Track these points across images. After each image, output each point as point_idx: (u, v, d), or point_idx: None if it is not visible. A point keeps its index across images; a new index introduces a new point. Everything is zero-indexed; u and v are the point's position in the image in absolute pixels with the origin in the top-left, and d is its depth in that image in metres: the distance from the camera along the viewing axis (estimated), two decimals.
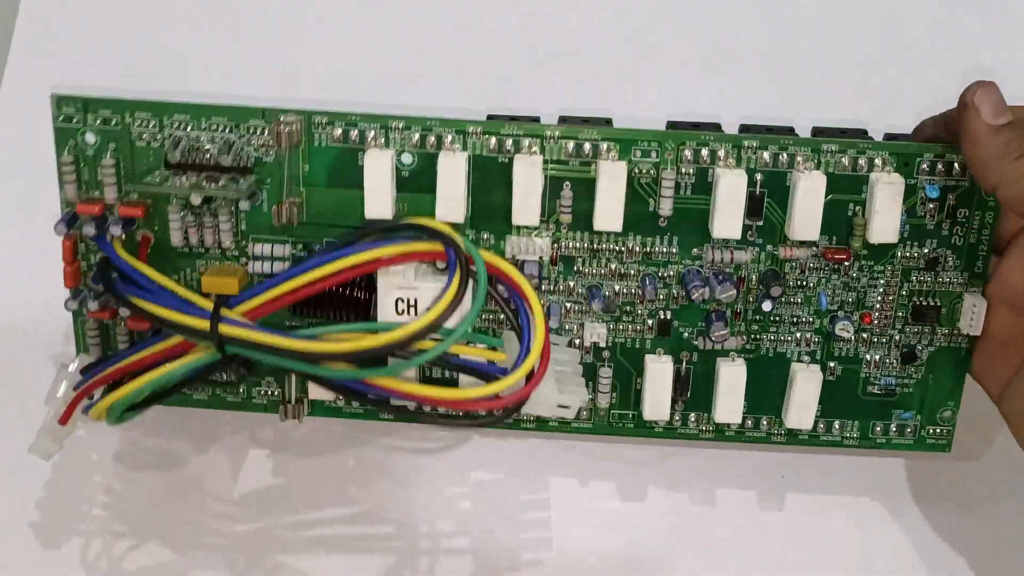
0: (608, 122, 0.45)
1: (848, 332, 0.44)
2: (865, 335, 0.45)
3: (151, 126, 0.43)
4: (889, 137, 0.45)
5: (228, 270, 0.45)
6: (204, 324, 0.40)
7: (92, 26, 0.59)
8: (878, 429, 0.46)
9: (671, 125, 0.45)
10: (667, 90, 0.51)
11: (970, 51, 0.52)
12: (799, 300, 0.45)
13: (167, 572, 0.45)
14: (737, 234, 0.43)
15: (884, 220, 0.42)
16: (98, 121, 0.44)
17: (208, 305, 0.41)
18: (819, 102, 0.51)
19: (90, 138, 0.44)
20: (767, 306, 0.44)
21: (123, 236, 0.44)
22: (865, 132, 0.45)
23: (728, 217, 0.42)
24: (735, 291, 0.43)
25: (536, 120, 0.45)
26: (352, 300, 0.44)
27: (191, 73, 0.62)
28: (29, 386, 0.50)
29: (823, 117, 0.46)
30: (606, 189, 0.42)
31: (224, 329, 0.40)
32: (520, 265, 0.44)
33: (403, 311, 0.43)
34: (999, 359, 0.43)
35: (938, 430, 0.46)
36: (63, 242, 0.44)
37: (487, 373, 0.42)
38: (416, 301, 0.43)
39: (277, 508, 0.45)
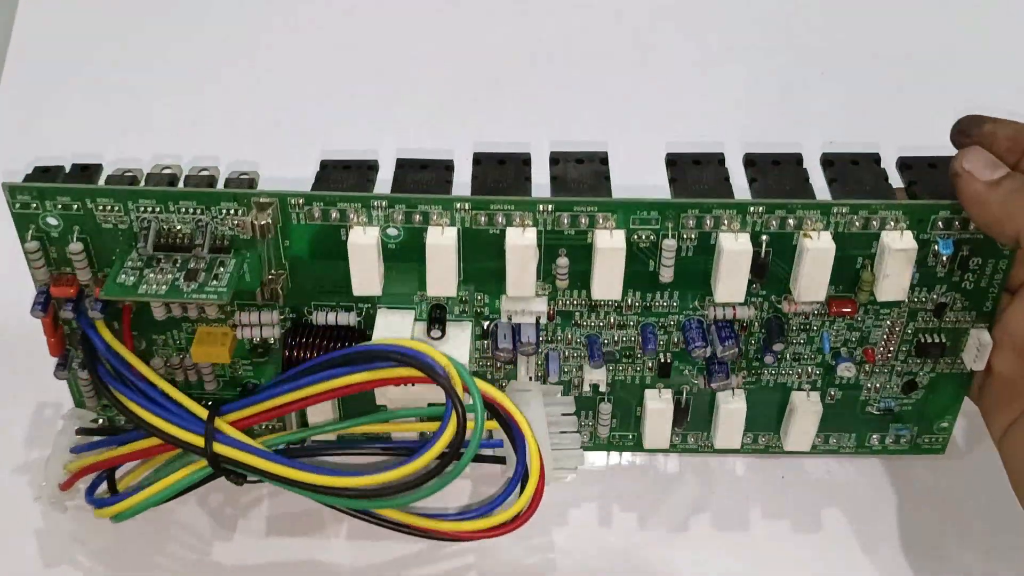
0: (604, 161, 0.42)
1: (850, 372, 0.44)
2: (867, 367, 0.44)
3: (115, 210, 0.41)
4: (903, 164, 0.42)
5: (217, 336, 0.43)
6: (198, 440, 0.40)
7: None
8: (874, 439, 0.47)
9: (671, 161, 0.42)
10: (667, 109, 0.47)
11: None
12: (802, 340, 0.44)
13: None
14: (740, 299, 0.41)
15: (894, 283, 0.41)
16: (58, 207, 0.41)
17: (201, 412, 0.41)
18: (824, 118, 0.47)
19: (52, 221, 0.41)
20: (769, 359, 0.43)
21: (103, 316, 0.42)
22: (878, 159, 0.42)
23: (731, 285, 0.41)
24: (737, 349, 0.42)
25: (527, 161, 0.42)
26: None
27: (190, 69, 0.60)
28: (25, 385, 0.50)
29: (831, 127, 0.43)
30: (604, 260, 0.40)
31: (220, 449, 0.40)
32: (517, 328, 0.43)
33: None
34: (1002, 402, 0.42)
35: (934, 438, 0.47)
36: (42, 320, 0.43)
37: (490, 448, 0.43)
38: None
39: (269, 530, 0.47)
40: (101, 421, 0.46)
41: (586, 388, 0.45)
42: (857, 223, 0.40)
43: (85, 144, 0.52)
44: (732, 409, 0.44)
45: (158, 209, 0.40)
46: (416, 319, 0.43)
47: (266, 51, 0.61)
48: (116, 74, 0.60)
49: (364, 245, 0.40)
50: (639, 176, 0.45)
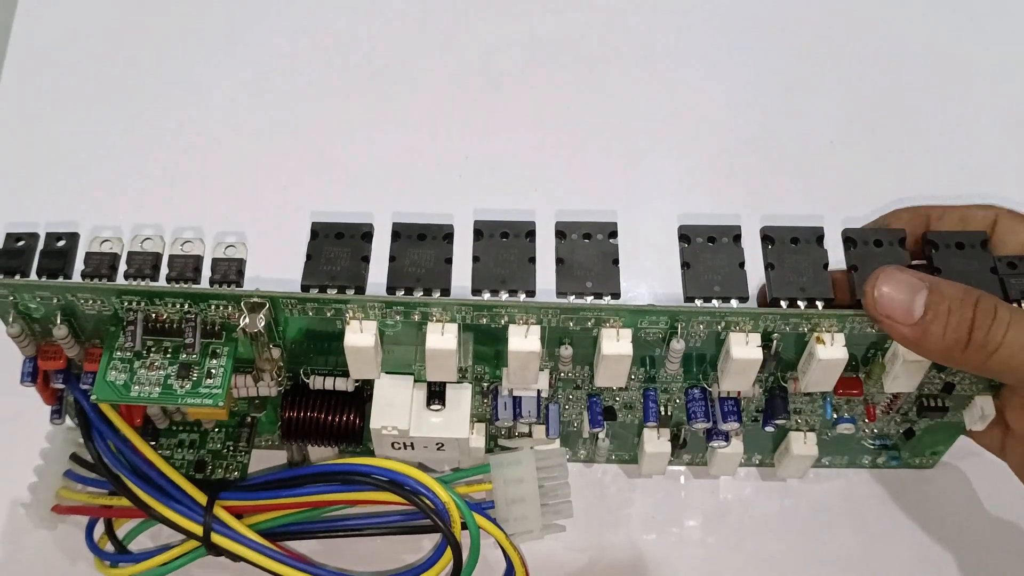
0: (614, 234, 0.40)
1: (850, 431, 0.44)
2: (867, 421, 0.44)
3: (98, 303, 0.39)
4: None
5: None
6: (197, 528, 0.40)
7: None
8: (866, 460, 0.48)
9: (684, 236, 0.40)
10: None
11: None
12: (804, 400, 0.43)
13: None
14: (747, 391, 0.41)
15: (904, 382, 0.40)
16: (37, 299, 0.39)
17: (200, 497, 0.41)
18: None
19: (33, 305, 0.39)
20: (769, 429, 0.43)
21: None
22: (903, 239, 0.40)
23: (738, 382, 0.40)
24: (739, 424, 0.42)
25: (531, 233, 0.40)
26: (343, 428, 0.43)
27: (191, 63, 0.58)
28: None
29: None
30: (609, 364, 0.39)
31: (217, 540, 0.40)
32: (517, 400, 0.42)
33: (399, 447, 0.43)
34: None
35: (924, 460, 0.48)
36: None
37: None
38: (413, 444, 0.42)
39: None
40: None
41: (585, 435, 0.45)
42: (873, 329, 0.39)
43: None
44: (728, 453, 0.45)
45: (143, 303, 0.39)
46: (416, 380, 0.42)
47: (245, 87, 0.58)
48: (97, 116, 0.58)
49: (361, 347, 0.39)
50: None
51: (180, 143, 0.56)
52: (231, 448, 0.45)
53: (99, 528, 0.44)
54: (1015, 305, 0.37)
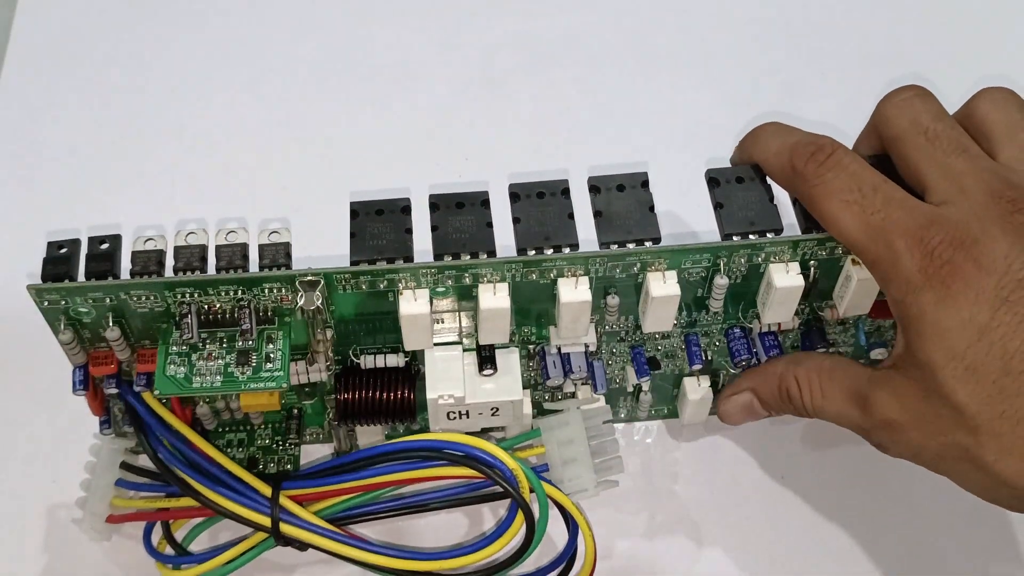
0: (645, 184, 0.41)
1: (882, 355, 0.45)
2: None
3: (151, 299, 0.39)
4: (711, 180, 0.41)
5: None
6: (265, 520, 0.40)
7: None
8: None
9: (713, 180, 0.41)
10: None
11: None
12: (837, 330, 0.45)
13: None
14: (789, 322, 0.42)
15: None
16: (89, 301, 0.39)
17: (264, 489, 0.41)
18: None
19: (84, 309, 0.39)
20: None
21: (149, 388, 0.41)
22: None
23: (781, 312, 0.41)
24: (781, 355, 0.43)
25: (566, 191, 0.41)
26: (398, 403, 0.43)
27: (193, 66, 0.58)
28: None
29: None
30: (658, 306, 0.40)
31: (287, 529, 0.40)
32: (566, 357, 0.43)
33: (454, 417, 0.43)
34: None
35: None
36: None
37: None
38: (468, 412, 0.43)
39: None
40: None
41: (629, 388, 0.46)
42: None
43: (99, 193, 0.48)
44: None
45: (196, 294, 0.39)
46: (464, 350, 0.43)
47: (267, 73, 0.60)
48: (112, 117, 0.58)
49: (416, 314, 0.39)
50: (676, 186, 0.44)
51: (185, 139, 0.57)
52: (280, 442, 0.45)
53: (156, 534, 0.44)
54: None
